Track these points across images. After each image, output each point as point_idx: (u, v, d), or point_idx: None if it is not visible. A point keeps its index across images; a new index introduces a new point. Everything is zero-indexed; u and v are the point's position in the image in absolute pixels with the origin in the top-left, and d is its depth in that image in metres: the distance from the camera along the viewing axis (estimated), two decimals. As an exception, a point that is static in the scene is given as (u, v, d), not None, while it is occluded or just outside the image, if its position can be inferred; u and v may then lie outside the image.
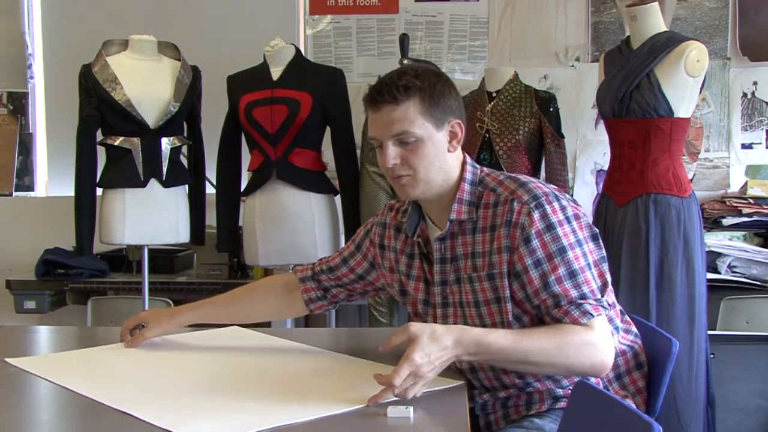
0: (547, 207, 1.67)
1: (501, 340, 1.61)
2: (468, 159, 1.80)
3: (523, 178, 1.75)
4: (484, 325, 1.74)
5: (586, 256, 1.68)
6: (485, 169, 1.81)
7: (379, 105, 1.71)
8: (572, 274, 1.65)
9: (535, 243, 1.66)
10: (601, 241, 1.74)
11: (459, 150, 1.78)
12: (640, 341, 1.83)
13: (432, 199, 1.77)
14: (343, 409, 1.51)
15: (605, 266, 1.72)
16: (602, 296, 1.68)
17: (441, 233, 1.77)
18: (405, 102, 1.69)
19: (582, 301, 1.64)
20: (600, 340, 1.63)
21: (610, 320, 1.74)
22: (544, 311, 1.67)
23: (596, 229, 1.74)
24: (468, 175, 1.76)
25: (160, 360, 1.90)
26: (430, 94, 1.70)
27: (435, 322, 1.82)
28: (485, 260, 1.72)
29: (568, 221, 1.69)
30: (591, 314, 1.63)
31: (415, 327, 1.56)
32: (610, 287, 1.75)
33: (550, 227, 1.66)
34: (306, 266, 2.06)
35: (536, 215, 1.66)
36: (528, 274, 1.66)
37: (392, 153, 1.70)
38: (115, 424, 1.48)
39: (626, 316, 1.84)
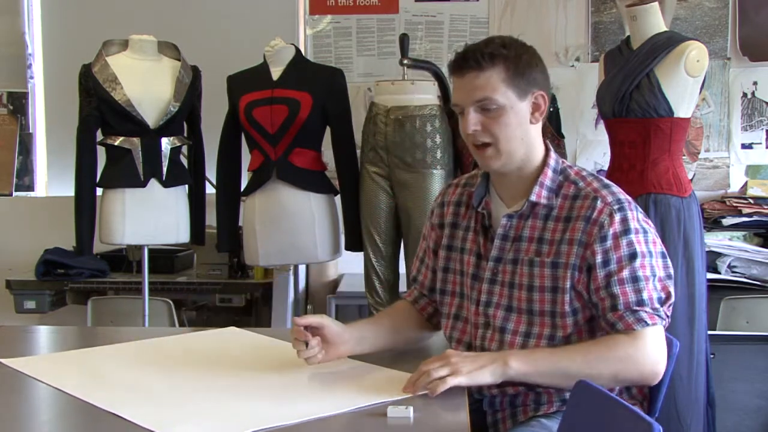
0: (629, 213, 1.70)
1: (540, 349, 1.67)
2: (551, 147, 1.81)
3: (606, 180, 1.78)
4: (530, 311, 1.74)
5: (654, 269, 1.69)
6: (564, 160, 1.83)
7: (464, 71, 1.71)
8: (635, 280, 1.67)
9: (609, 243, 1.67)
10: (669, 260, 1.74)
11: (541, 134, 1.78)
12: None
13: (511, 173, 1.77)
14: (343, 410, 1.51)
15: (670, 282, 1.72)
16: (661, 307, 1.69)
17: (511, 211, 1.77)
18: (489, 69, 1.69)
19: (638, 308, 1.66)
20: (649, 351, 1.65)
21: None
22: (601, 312, 1.69)
23: (664, 248, 1.75)
24: (552, 162, 1.78)
25: (157, 361, 1.90)
26: (515, 64, 1.70)
27: (479, 297, 1.80)
28: (552, 248, 1.72)
29: (645, 232, 1.71)
30: (645, 322, 1.65)
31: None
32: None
33: (626, 232, 1.68)
34: (410, 290, 2.02)
35: (617, 218, 1.68)
36: (595, 271, 1.68)
37: (473, 119, 1.71)
38: (111, 426, 1.47)
39: None
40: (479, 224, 1.84)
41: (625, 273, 1.66)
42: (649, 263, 1.69)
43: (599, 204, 1.70)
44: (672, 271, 1.74)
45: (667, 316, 1.70)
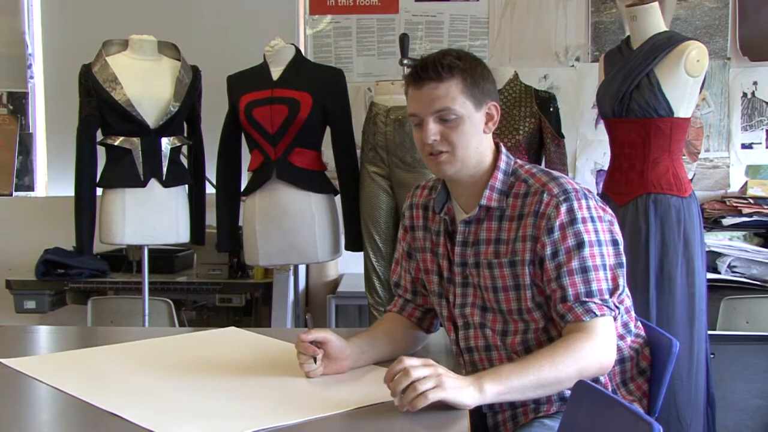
0: (575, 203, 1.70)
1: (508, 365, 1.62)
2: (503, 149, 1.83)
3: (556, 173, 1.79)
4: (501, 311, 1.76)
5: (603, 257, 1.70)
6: (518, 160, 1.84)
7: (423, 82, 1.74)
8: (584, 270, 1.67)
9: (557, 235, 1.68)
10: (621, 247, 1.74)
11: (491, 138, 1.81)
12: (648, 345, 1.84)
13: (463, 180, 1.79)
14: (343, 409, 1.51)
15: (620, 271, 1.72)
16: (610, 298, 1.68)
17: (467, 216, 1.80)
18: (448, 80, 1.73)
19: (587, 299, 1.66)
20: (602, 342, 1.64)
21: (625, 325, 1.77)
22: (552, 303, 1.70)
23: (619, 235, 1.75)
24: (502, 165, 1.80)
25: (157, 361, 1.90)
26: (471, 75, 1.75)
27: (454, 301, 1.83)
28: (509, 247, 1.74)
29: (592, 220, 1.71)
30: (594, 313, 1.65)
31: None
32: (627, 294, 1.76)
33: (573, 222, 1.69)
34: (394, 301, 2.02)
35: (563, 208, 1.69)
36: (545, 263, 1.69)
37: (433, 129, 1.74)
38: (111, 426, 1.47)
39: (639, 321, 1.86)
40: (445, 228, 1.86)
41: (574, 263, 1.67)
42: (599, 252, 1.69)
43: (546, 197, 1.71)
44: (624, 259, 1.74)
45: (616, 307, 1.70)
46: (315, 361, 1.72)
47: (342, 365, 1.75)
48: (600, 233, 1.71)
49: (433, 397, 1.47)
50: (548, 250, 1.69)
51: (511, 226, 1.75)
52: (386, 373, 1.51)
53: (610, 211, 1.78)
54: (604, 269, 1.69)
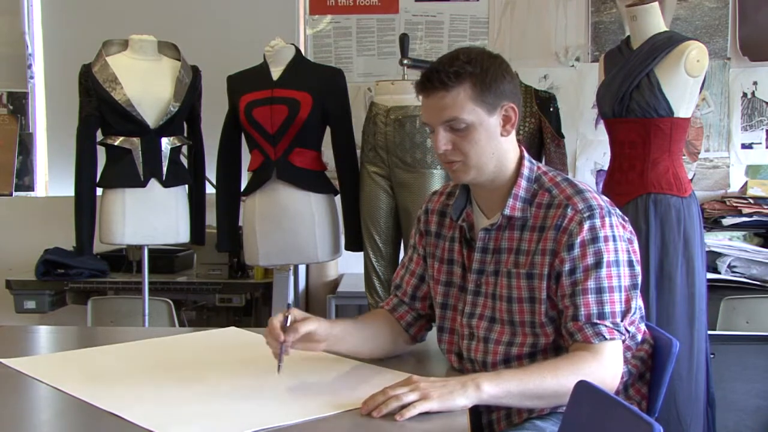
0: (598, 221, 1.68)
1: (510, 371, 1.62)
2: (526, 154, 1.80)
3: (581, 185, 1.76)
4: (511, 322, 1.74)
5: (620, 278, 1.68)
6: (541, 166, 1.81)
7: (429, 91, 1.71)
8: (599, 291, 1.65)
9: (577, 252, 1.66)
10: (638, 268, 1.72)
11: (515, 141, 1.78)
12: (652, 350, 1.83)
13: (484, 184, 1.77)
14: (342, 410, 1.51)
15: (635, 293, 1.70)
16: (621, 321, 1.67)
17: (489, 224, 1.77)
18: (455, 88, 1.68)
19: (598, 322, 1.64)
20: (608, 365, 1.64)
21: (633, 337, 1.75)
22: (563, 319, 1.68)
23: (637, 256, 1.73)
24: (525, 171, 1.77)
25: (157, 361, 1.90)
26: (482, 80, 1.69)
27: (464, 309, 1.81)
28: (528, 259, 1.72)
29: (614, 239, 1.68)
30: (604, 336, 1.64)
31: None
32: (640, 306, 1.74)
33: (595, 240, 1.67)
34: (388, 299, 2.00)
35: (586, 226, 1.67)
36: (561, 279, 1.67)
37: (443, 139, 1.71)
38: (111, 426, 1.47)
39: (647, 327, 1.85)
40: (462, 235, 1.84)
41: (590, 283, 1.65)
42: (616, 273, 1.67)
43: (570, 212, 1.68)
44: (639, 280, 1.72)
45: (627, 331, 1.68)
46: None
47: (317, 346, 1.73)
48: (619, 253, 1.68)
49: (421, 407, 1.47)
50: (566, 266, 1.67)
51: (532, 237, 1.72)
52: (370, 401, 1.50)
53: (630, 227, 1.76)
54: (619, 291, 1.67)
